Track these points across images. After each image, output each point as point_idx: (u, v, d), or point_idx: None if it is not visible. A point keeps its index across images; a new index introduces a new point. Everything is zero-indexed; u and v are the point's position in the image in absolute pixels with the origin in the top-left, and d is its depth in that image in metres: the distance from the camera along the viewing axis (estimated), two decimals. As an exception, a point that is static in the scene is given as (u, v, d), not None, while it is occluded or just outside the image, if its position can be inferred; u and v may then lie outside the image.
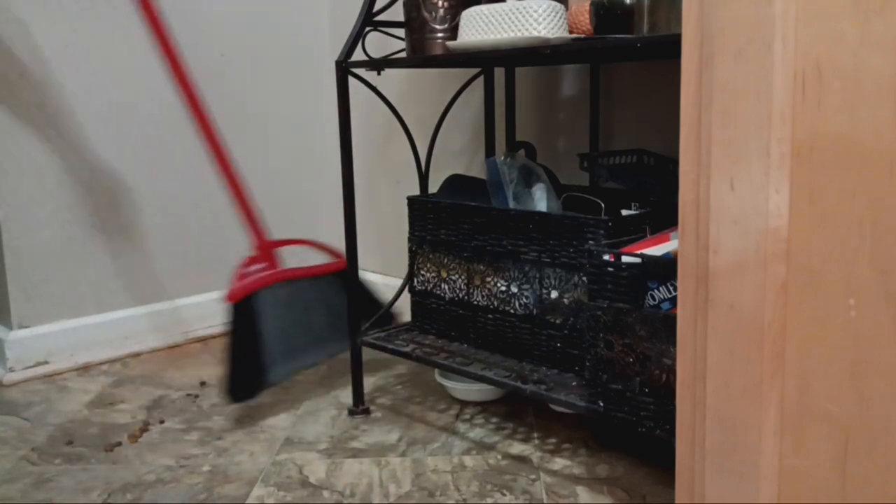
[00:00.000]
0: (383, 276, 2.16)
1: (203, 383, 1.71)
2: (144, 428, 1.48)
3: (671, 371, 1.05)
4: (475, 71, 1.69)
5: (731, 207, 0.69)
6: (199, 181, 2.01)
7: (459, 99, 1.65)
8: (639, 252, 1.09)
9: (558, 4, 1.20)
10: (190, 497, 1.24)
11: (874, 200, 0.62)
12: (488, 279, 1.39)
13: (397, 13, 1.43)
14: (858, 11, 0.61)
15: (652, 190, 1.33)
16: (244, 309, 1.49)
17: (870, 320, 0.64)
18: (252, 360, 1.49)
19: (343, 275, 1.59)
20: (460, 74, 1.78)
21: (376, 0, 1.44)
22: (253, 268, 1.59)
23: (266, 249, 1.64)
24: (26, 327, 1.78)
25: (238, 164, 2.08)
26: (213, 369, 1.80)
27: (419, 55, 1.40)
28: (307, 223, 2.23)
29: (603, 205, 1.40)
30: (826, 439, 0.67)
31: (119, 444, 1.42)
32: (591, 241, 1.21)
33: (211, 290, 2.05)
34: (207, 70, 1.99)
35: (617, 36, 1.14)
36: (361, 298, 1.58)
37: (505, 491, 1.22)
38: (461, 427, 1.45)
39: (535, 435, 1.42)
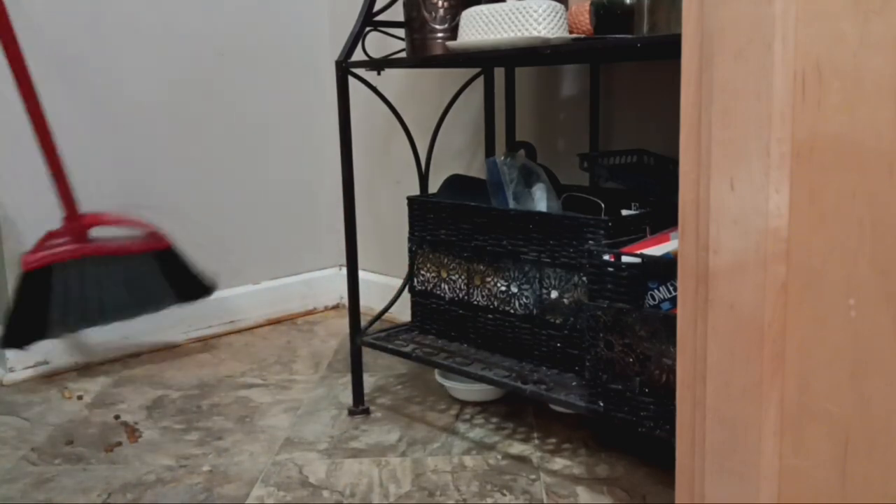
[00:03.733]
0: (383, 276, 2.16)
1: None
2: (133, 428, 1.47)
3: (671, 371, 1.05)
4: (475, 71, 1.69)
5: (731, 207, 0.69)
6: (200, 181, 2.02)
7: (459, 99, 1.65)
8: (639, 252, 1.09)
9: (558, 4, 1.20)
10: (190, 497, 1.24)
11: (874, 200, 0.62)
12: (488, 279, 1.39)
13: (397, 13, 1.43)
14: (858, 11, 0.61)
15: (652, 190, 1.33)
16: (35, 278, 1.61)
17: (870, 320, 0.64)
18: (32, 325, 1.63)
19: (162, 254, 1.75)
20: (460, 74, 1.78)
21: (376, 0, 1.44)
22: (56, 241, 1.67)
23: (74, 224, 1.69)
24: (26, 327, 1.78)
25: (237, 165, 2.08)
26: (213, 369, 1.80)
27: (419, 55, 1.40)
28: (307, 223, 2.23)
29: (603, 205, 1.40)
30: (826, 439, 0.67)
31: (119, 443, 1.42)
32: (591, 241, 1.21)
33: (211, 290, 2.05)
34: (207, 70, 1.99)
35: (617, 36, 1.14)
36: (182, 276, 1.78)
37: (505, 491, 1.22)
38: (461, 427, 1.46)
39: (535, 435, 1.42)
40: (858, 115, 0.62)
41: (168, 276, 1.74)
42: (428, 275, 1.50)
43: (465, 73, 1.72)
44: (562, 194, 1.46)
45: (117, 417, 1.54)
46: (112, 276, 1.70)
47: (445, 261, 1.46)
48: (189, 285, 1.79)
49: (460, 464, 1.32)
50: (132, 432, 1.47)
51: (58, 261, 1.62)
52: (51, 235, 1.66)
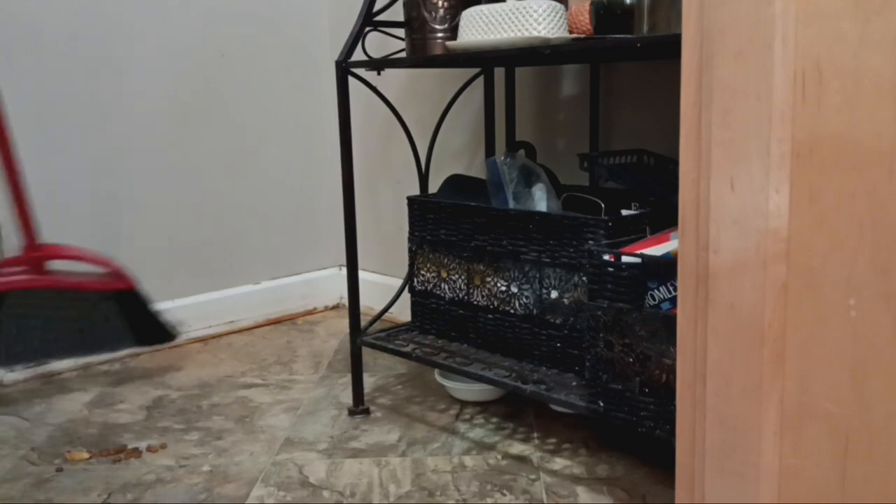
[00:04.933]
0: (383, 276, 2.16)
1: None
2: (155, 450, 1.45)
3: (671, 371, 1.05)
4: (475, 71, 1.69)
5: (731, 207, 0.69)
6: (200, 181, 2.02)
7: (459, 99, 1.65)
8: (639, 252, 1.09)
9: (558, 4, 1.20)
10: (190, 497, 1.24)
11: (874, 200, 0.62)
12: (488, 279, 1.39)
13: (397, 13, 1.43)
14: (858, 11, 0.61)
15: (652, 190, 1.33)
16: None
17: (870, 320, 0.64)
18: None
19: (123, 295, 1.64)
20: (460, 74, 1.78)
21: (376, 0, 1.44)
22: (10, 269, 1.60)
23: (32, 254, 1.61)
24: (26, 327, 1.78)
25: (237, 165, 2.08)
26: (213, 369, 1.80)
27: (419, 55, 1.40)
28: (307, 223, 2.23)
29: (603, 205, 1.40)
30: (826, 439, 0.67)
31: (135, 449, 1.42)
32: (591, 241, 1.21)
33: (211, 290, 2.05)
34: (207, 70, 1.99)
35: (617, 36, 1.14)
36: (143, 320, 1.68)
37: (505, 491, 1.22)
38: (461, 427, 1.46)
39: (535, 435, 1.42)
40: (858, 115, 0.62)
41: (127, 318, 1.66)
42: (428, 275, 1.50)
43: (465, 73, 1.72)
44: (562, 194, 1.46)
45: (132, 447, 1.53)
46: (64, 312, 1.64)
47: (445, 261, 1.46)
48: (149, 329, 1.70)
49: (460, 464, 1.32)
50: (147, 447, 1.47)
51: (7, 290, 1.57)
52: (6, 263, 1.60)
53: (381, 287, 2.12)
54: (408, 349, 1.45)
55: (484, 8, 1.25)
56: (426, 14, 1.37)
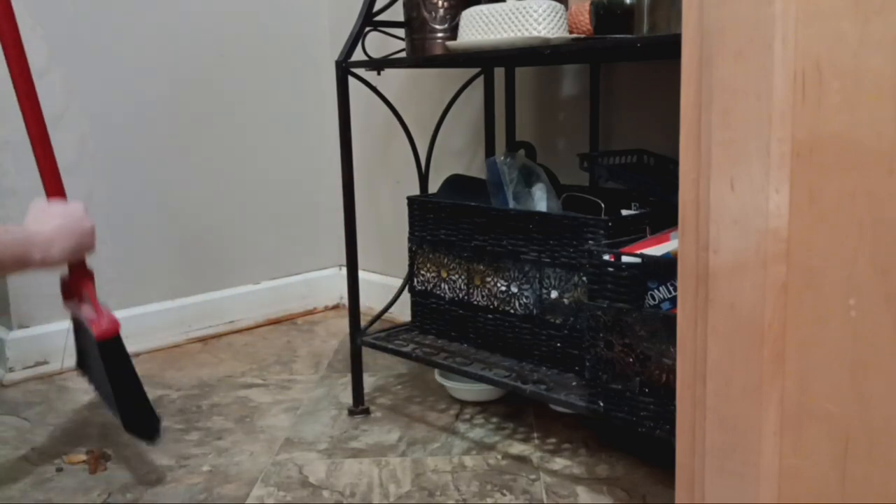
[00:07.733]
0: (383, 276, 2.16)
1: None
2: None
3: (671, 371, 1.05)
4: (475, 71, 1.69)
5: (731, 207, 0.69)
6: (200, 181, 2.02)
7: (459, 99, 1.65)
8: (639, 252, 1.09)
9: (558, 4, 1.20)
10: (190, 497, 1.24)
11: (874, 200, 0.62)
12: (488, 279, 1.39)
13: (397, 13, 1.43)
14: (858, 11, 0.61)
15: (652, 190, 1.33)
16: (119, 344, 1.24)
17: (870, 320, 0.63)
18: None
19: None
20: (460, 74, 1.78)
21: (376, 0, 1.44)
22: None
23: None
24: (26, 327, 1.78)
25: (237, 165, 2.08)
26: (212, 369, 1.80)
27: (419, 55, 1.40)
28: (307, 223, 2.23)
29: (603, 205, 1.40)
30: (826, 439, 0.67)
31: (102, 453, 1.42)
32: (591, 241, 1.21)
33: (211, 290, 2.05)
34: (206, 70, 1.99)
35: (617, 36, 1.14)
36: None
37: (505, 491, 1.22)
38: (461, 427, 1.46)
39: (535, 435, 1.42)
40: (858, 115, 0.62)
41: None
42: (428, 275, 1.50)
43: (465, 73, 1.72)
44: (562, 194, 1.46)
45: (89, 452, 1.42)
46: None
47: (445, 261, 1.46)
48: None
49: (460, 464, 1.32)
50: (96, 460, 1.38)
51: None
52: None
53: (381, 287, 2.12)
54: (408, 349, 1.45)
55: (484, 8, 1.24)
56: (426, 14, 1.37)
